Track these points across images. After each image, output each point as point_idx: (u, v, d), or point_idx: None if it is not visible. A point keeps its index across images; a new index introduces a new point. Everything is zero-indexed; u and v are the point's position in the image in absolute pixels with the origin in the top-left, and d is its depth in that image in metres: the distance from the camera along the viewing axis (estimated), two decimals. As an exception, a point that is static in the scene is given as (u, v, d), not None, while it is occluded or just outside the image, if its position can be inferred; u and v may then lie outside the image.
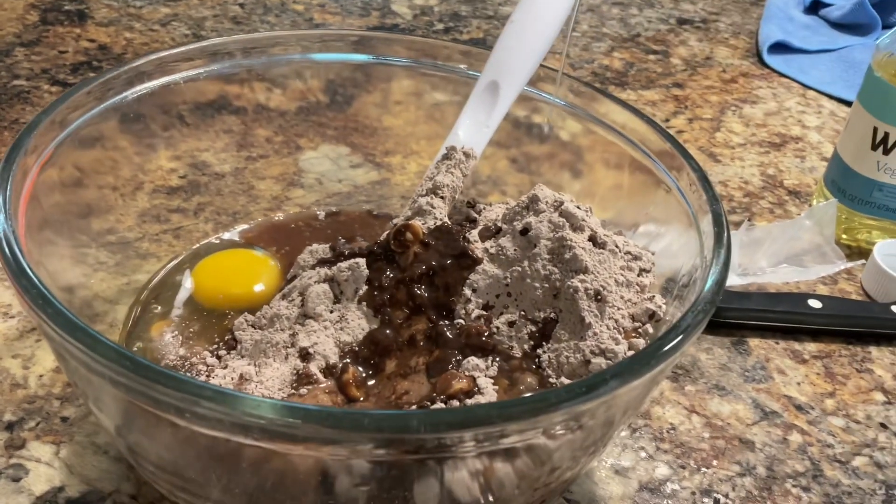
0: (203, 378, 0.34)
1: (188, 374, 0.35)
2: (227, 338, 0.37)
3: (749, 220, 0.58)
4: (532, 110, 0.50)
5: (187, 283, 0.42)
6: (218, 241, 0.45)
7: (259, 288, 0.41)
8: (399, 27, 0.80)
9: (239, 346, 0.35)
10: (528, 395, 0.28)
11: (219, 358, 0.36)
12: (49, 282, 0.39)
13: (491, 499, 0.29)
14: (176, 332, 0.39)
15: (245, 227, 0.46)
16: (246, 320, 0.36)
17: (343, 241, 0.44)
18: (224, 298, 0.40)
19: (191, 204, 0.49)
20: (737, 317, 0.48)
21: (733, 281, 0.52)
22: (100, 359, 0.25)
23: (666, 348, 0.27)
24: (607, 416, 0.30)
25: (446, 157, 0.40)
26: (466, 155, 0.40)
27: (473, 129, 0.40)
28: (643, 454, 0.41)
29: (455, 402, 0.31)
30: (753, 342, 0.48)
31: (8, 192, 0.31)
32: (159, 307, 0.40)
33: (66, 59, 0.67)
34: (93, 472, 0.36)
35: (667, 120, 0.71)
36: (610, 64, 0.79)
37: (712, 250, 0.32)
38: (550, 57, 0.45)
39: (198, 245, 0.45)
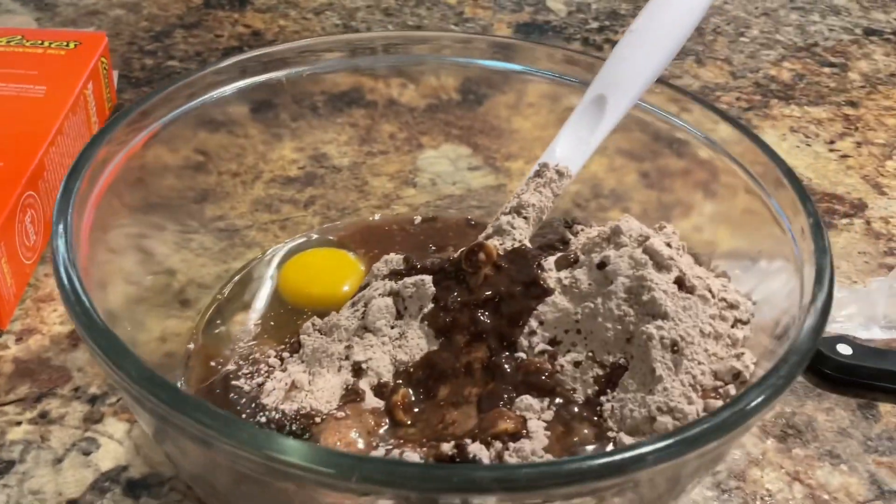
0: (261, 379, 0.34)
1: (249, 376, 0.35)
2: (293, 340, 0.36)
3: (907, 265, 0.51)
4: (671, 126, 0.46)
5: (273, 278, 0.42)
6: (309, 239, 0.45)
7: (344, 290, 0.40)
8: (551, 24, 0.77)
9: (301, 351, 0.35)
10: (542, 462, 0.26)
11: (282, 360, 0.35)
12: (143, 264, 0.40)
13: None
14: (252, 325, 0.39)
15: (339, 225, 0.46)
16: (313, 325, 0.36)
17: (434, 248, 0.43)
18: (305, 297, 0.40)
19: (303, 195, 0.49)
20: (868, 376, 0.42)
21: (875, 334, 0.46)
22: (129, 381, 0.25)
23: (715, 427, 0.24)
24: (669, 476, 0.27)
25: (538, 174, 0.37)
26: (560, 174, 0.37)
27: (572, 145, 0.38)
28: (729, 520, 0.37)
29: (498, 444, 0.29)
30: (885, 407, 0.42)
31: (71, 202, 0.30)
32: (242, 298, 0.41)
33: (219, 43, 0.70)
34: (157, 456, 0.37)
35: (831, 142, 0.64)
36: (777, 74, 0.72)
37: (808, 305, 0.28)
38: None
39: (292, 241, 0.45)
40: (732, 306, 0.32)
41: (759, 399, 0.24)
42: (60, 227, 0.29)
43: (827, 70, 0.73)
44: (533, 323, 0.32)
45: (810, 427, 0.41)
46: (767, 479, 0.39)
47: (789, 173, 0.34)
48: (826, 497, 0.38)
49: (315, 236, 0.45)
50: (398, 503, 0.24)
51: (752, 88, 0.70)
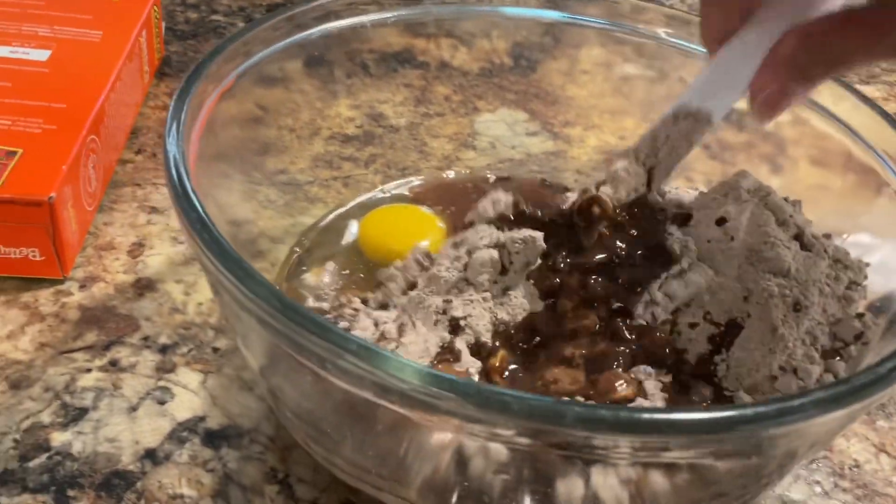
0: (346, 324, 0.33)
1: (334, 321, 0.33)
2: (378, 290, 0.35)
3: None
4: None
5: (353, 231, 0.41)
6: (386, 195, 0.44)
7: (424, 245, 0.39)
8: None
9: (389, 301, 0.33)
10: (703, 407, 0.25)
11: (368, 309, 0.34)
12: (217, 214, 0.39)
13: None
14: (333, 277, 0.38)
15: (415, 182, 0.45)
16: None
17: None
18: (388, 251, 0.39)
19: (363, 154, 0.48)
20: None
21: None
22: (248, 293, 0.24)
23: (881, 379, 0.23)
24: (790, 447, 0.26)
25: (675, 117, 0.32)
26: (697, 119, 0.31)
27: (716, 88, 0.31)
28: (818, 489, 0.36)
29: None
30: (967, 384, 0.42)
31: (183, 117, 0.30)
32: (321, 251, 0.39)
33: (263, -1, 0.68)
34: (235, 407, 0.36)
35: (886, 121, 0.63)
36: (826, 53, 0.71)
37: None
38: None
39: (366, 196, 0.44)
40: (846, 267, 0.31)
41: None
42: (172, 140, 0.28)
43: (876, 50, 0.72)
44: (657, 294, 0.31)
45: (893, 400, 0.41)
46: (854, 449, 0.38)
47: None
48: (915, 470, 0.37)
49: (391, 192, 0.44)
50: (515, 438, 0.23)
51: (802, 66, 0.69)
